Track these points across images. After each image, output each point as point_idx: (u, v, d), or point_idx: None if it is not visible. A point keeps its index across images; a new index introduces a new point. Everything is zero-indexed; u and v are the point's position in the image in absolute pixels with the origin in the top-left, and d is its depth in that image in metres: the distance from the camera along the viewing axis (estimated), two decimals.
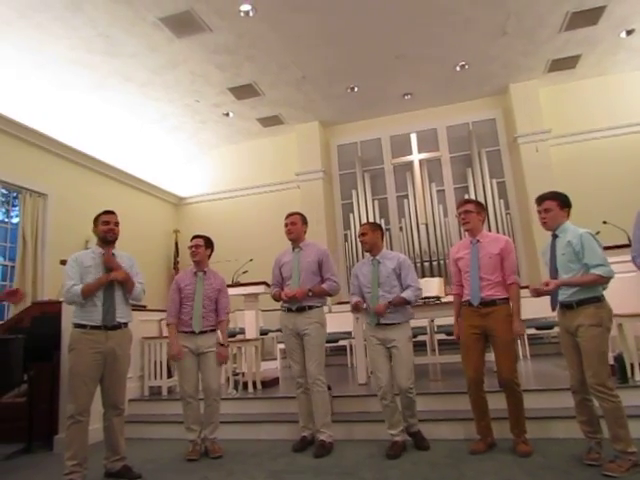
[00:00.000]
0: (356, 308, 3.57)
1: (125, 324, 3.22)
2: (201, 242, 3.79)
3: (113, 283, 3.16)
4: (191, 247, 3.76)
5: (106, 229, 3.22)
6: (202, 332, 3.64)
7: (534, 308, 6.10)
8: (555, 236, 2.98)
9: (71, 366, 3.07)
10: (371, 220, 8.51)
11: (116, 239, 3.29)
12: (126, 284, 3.21)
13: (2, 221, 6.32)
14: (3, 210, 6.40)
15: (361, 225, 3.71)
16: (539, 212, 3.03)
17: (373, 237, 3.54)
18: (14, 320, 4.68)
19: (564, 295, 2.87)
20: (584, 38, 6.72)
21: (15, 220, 6.50)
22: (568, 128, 7.87)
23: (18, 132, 6.32)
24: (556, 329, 5.86)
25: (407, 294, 3.40)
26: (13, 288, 2.74)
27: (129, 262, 3.34)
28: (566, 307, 2.88)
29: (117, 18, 5.48)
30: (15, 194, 6.45)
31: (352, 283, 3.69)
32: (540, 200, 3.03)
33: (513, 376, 3.10)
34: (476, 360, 3.20)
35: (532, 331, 5.96)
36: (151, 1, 5.27)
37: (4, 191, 6.32)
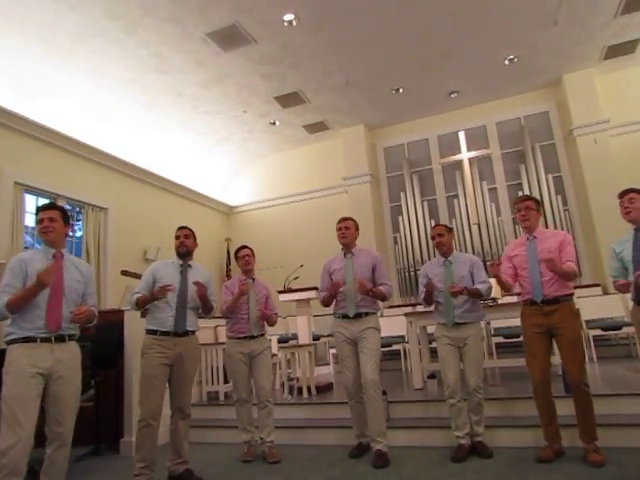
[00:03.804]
0: (429, 290, 3.52)
1: (193, 332, 3.34)
2: (250, 252, 3.95)
3: (187, 293, 3.28)
4: (244, 257, 3.89)
5: (177, 243, 3.41)
6: (256, 336, 3.77)
7: (600, 308, 5.82)
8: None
9: (143, 370, 3.20)
10: (420, 222, 8.39)
11: (188, 251, 3.42)
12: (205, 302, 3.35)
13: (67, 235, 6.69)
14: None
15: (435, 226, 3.67)
16: (621, 204, 3.01)
17: (450, 238, 3.57)
18: (81, 328, 4.92)
19: None
20: None
21: (79, 234, 6.88)
22: (629, 116, 7.42)
23: (81, 151, 6.71)
24: (625, 329, 5.53)
25: (482, 287, 3.41)
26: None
27: (206, 278, 3.46)
28: None
29: (167, 37, 5.71)
30: (78, 209, 6.83)
31: (420, 282, 3.66)
32: (623, 193, 3.02)
33: (582, 376, 2.95)
34: (543, 361, 3.07)
35: (598, 332, 5.64)
36: (198, 18, 5.46)
37: (69, 207, 6.70)
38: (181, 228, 3.48)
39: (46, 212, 2.78)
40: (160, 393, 3.16)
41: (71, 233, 6.87)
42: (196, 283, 3.23)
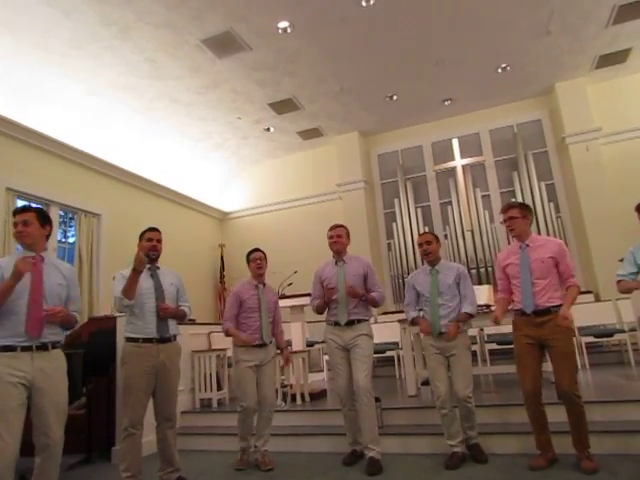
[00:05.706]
0: (417, 324, 3.52)
1: (174, 337, 3.28)
2: (263, 255, 3.85)
3: (164, 296, 3.20)
4: (256, 260, 3.79)
5: (149, 246, 3.22)
6: (266, 344, 3.71)
7: (592, 315, 5.84)
8: None
9: (124, 380, 3.12)
10: (414, 228, 8.40)
11: (159, 256, 3.30)
12: (175, 317, 3.28)
13: (60, 241, 6.66)
14: (61, 231, 6.74)
15: (422, 234, 3.65)
16: (639, 216, 3.11)
17: (437, 247, 3.54)
18: (73, 335, 4.88)
19: None
20: (634, 31, 6.44)
21: (72, 240, 6.84)
22: (620, 125, 7.52)
23: (74, 157, 6.68)
24: (617, 336, 5.56)
25: (470, 309, 3.38)
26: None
27: (176, 282, 3.37)
28: None
29: (161, 43, 5.72)
30: (71, 215, 6.80)
31: (407, 293, 3.65)
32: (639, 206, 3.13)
33: (573, 388, 2.94)
34: (533, 371, 3.06)
35: (590, 339, 5.65)
36: (193, 24, 5.47)
37: (62, 213, 6.67)
38: (153, 230, 3.29)
39: (20, 215, 2.63)
40: (142, 403, 3.08)
41: (64, 239, 6.84)
42: (162, 307, 3.14)
